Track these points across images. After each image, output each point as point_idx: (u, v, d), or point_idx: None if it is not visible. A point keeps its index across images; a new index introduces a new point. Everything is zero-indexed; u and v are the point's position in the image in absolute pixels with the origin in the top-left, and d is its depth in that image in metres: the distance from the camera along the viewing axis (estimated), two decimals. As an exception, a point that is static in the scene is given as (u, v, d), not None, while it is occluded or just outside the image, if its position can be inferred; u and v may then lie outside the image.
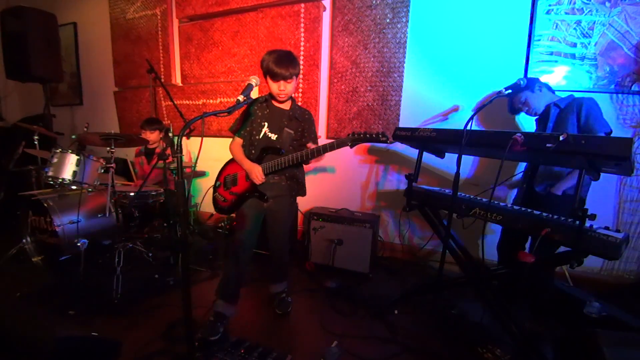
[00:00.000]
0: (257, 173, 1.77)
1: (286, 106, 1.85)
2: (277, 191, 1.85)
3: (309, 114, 1.92)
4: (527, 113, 2.00)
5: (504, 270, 1.78)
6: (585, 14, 2.16)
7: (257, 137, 1.83)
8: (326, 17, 2.90)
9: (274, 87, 1.73)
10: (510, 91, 1.68)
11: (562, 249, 1.36)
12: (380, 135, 1.59)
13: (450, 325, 1.88)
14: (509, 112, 2.10)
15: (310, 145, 1.82)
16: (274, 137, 1.82)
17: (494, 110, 2.41)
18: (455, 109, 2.57)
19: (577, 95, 1.90)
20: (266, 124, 1.83)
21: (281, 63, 1.66)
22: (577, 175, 1.71)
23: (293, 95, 1.88)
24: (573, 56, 2.22)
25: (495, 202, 1.62)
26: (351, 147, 1.68)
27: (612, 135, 1.65)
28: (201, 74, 3.52)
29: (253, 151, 1.83)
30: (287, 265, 2.09)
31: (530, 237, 1.99)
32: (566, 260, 1.33)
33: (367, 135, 1.60)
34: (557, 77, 2.27)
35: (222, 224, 3.31)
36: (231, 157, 1.92)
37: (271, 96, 1.83)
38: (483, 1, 2.40)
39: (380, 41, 2.71)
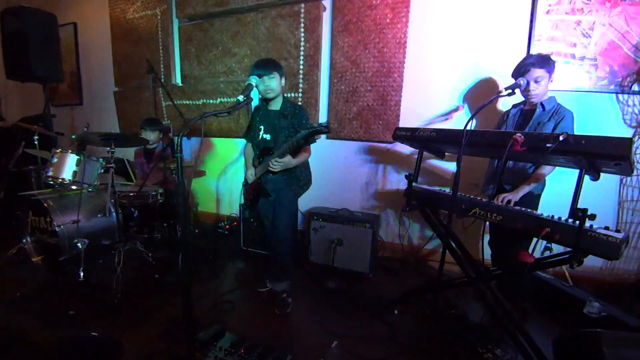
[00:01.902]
0: (247, 175, 2.10)
1: (277, 106, 1.97)
2: (275, 185, 2.00)
3: (299, 107, 2.00)
4: (525, 91, 1.80)
5: (504, 271, 1.78)
6: (585, 14, 2.16)
7: (257, 140, 2.03)
8: (326, 17, 2.90)
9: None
10: (510, 91, 1.69)
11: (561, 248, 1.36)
12: (322, 126, 1.62)
13: (450, 326, 1.88)
14: (513, 74, 1.85)
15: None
16: (268, 137, 1.99)
17: (495, 111, 2.42)
18: (455, 109, 2.57)
19: (568, 95, 1.86)
20: (262, 126, 2.00)
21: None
22: (531, 185, 1.75)
23: (285, 94, 2.06)
24: (573, 56, 2.22)
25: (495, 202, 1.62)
26: (306, 144, 1.80)
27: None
28: (201, 74, 3.52)
29: (257, 152, 2.06)
30: (289, 264, 2.11)
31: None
32: (566, 260, 1.33)
33: (313, 130, 1.65)
34: (557, 77, 2.26)
35: (222, 224, 3.32)
36: None
37: (263, 98, 1.98)
38: (483, 1, 2.40)
39: (380, 41, 2.70)
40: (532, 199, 1.83)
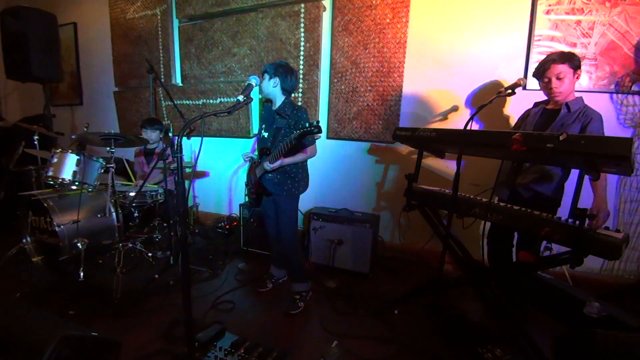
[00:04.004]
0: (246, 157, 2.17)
1: (275, 106, 2.01)
2: (270, 186, 2.02)
3: (298, 107, 1.99)
4: (547, 89, 1.75)
5: (503, 271, 1.78)
6: (585, 14, 2.16)
7: (260, 137, 2.08)
8: (326, 17, 2.90)
9: None
10: (510, 91, 1.68)
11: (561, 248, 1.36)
12: (312, 126, 1.63)
13: (450, 326, 1.88)
14: (534, 74, 1.81)
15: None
16: (266, 135, 2.03)
17: (495, 110, 2.42)
18: (455, 109, 2.57)
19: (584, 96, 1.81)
20: (264, 125, 2.06)
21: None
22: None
23: (289, 95, 2.02)
24: (573, 56, 2.22)
25: (495, 202, 1.62)
26: (299, 145, 1.82)
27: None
28: (201, 74, 3.52)
29: (259, 149, 2.08)
30: (302, 266, 2.13)
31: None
32: (566, 260, 1.33)
33: (303, 130, 1.65)
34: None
35: (222, 224, 3.31)
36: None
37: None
38: (483, 1, 2.40)
39: (380, 41, 2.70)
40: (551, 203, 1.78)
